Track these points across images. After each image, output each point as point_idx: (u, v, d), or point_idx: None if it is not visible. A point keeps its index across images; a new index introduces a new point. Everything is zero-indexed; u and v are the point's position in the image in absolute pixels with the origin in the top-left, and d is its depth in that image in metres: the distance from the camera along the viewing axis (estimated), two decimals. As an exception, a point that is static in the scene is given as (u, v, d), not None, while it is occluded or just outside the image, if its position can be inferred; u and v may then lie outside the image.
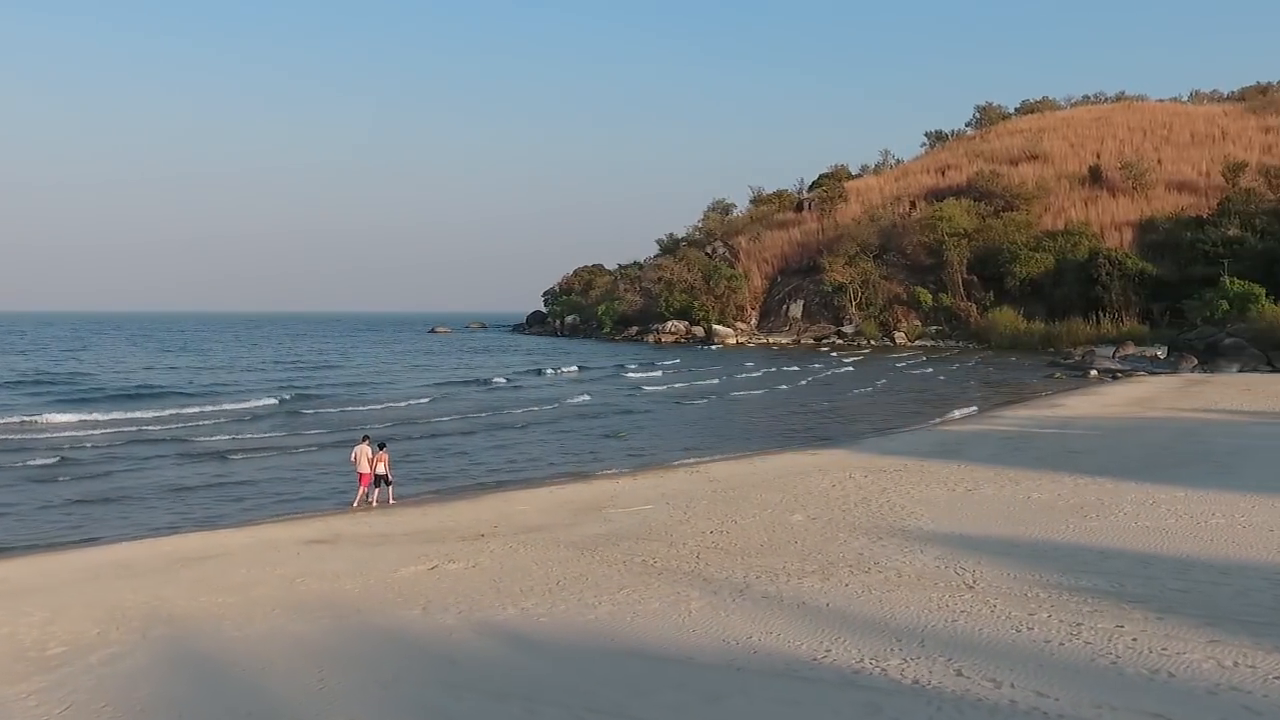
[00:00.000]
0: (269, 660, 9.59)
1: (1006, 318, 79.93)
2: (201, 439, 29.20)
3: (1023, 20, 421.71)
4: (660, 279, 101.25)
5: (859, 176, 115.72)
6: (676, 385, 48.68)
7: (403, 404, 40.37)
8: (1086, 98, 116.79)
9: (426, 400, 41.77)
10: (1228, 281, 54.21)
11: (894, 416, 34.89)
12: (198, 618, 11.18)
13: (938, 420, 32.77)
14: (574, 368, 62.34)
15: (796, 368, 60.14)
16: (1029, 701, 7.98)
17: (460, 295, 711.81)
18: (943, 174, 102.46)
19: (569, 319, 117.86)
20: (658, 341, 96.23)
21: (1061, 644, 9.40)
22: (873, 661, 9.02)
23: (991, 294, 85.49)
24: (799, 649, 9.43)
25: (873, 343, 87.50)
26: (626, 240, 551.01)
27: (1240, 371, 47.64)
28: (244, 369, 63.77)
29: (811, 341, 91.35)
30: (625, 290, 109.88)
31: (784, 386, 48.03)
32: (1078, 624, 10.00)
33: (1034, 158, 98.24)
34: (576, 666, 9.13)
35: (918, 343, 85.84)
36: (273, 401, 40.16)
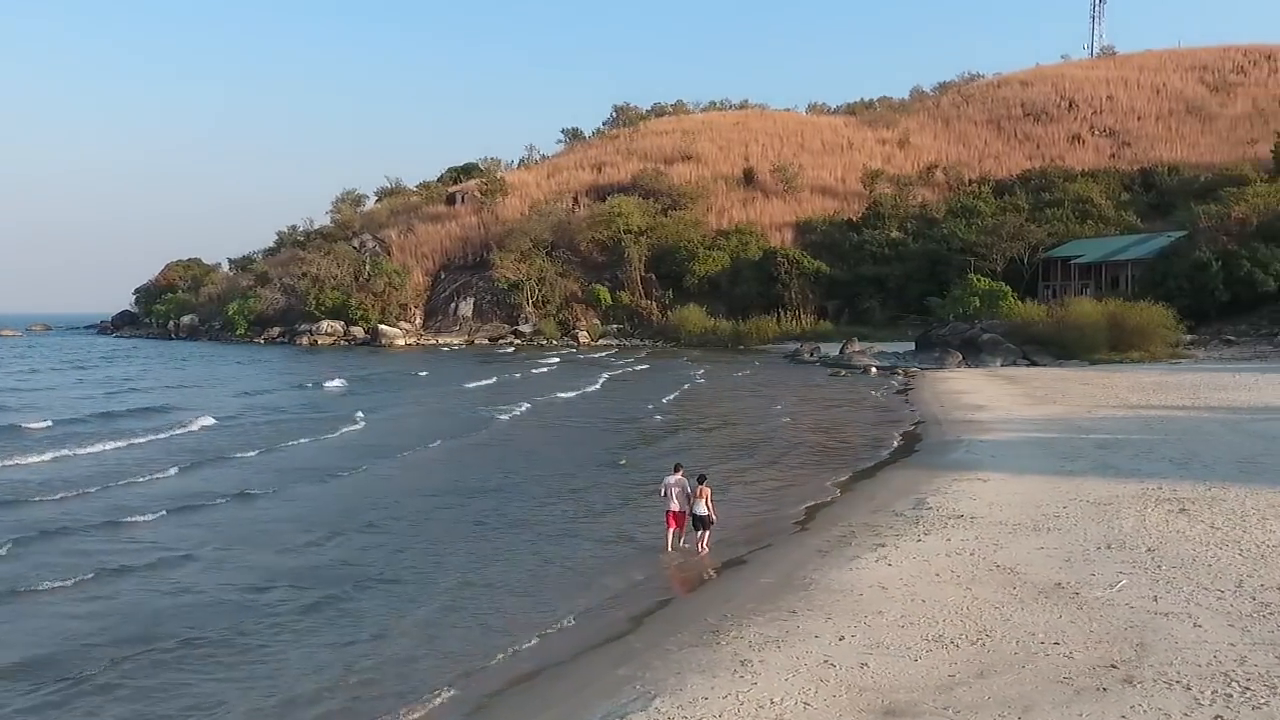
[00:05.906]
0: None
1: (695, 316, 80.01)
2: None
3: (649, 22, 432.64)
4: (306, 274, 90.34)
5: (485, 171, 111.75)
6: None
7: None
8: (714, 104, 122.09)
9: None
10: (975, 279, 57.46)
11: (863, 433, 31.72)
12: None
13: (941, 433, 29.80)
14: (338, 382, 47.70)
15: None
16: None
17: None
18: (599, 171, 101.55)
19: (185, 319, 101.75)
20: (312, 344, 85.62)
21: None
22: None
23: (670, 292, 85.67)
24: None
25: (555, 342, 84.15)
26: (216, 234, 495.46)
27: (1003, 366, 50.14)
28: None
29: (487, 342, 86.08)
30: (253, 286, 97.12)
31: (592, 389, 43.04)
32: None
33: (688, 158, 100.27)
34: None
35: (601, 341, 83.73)
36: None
